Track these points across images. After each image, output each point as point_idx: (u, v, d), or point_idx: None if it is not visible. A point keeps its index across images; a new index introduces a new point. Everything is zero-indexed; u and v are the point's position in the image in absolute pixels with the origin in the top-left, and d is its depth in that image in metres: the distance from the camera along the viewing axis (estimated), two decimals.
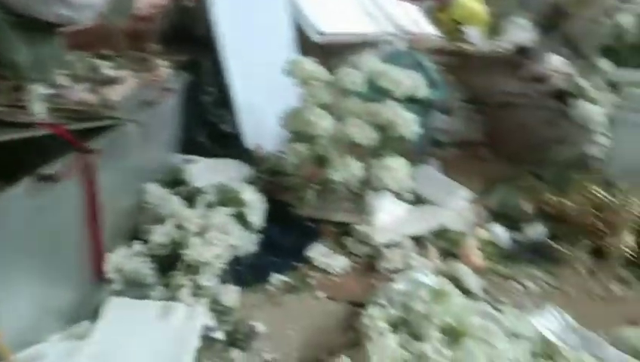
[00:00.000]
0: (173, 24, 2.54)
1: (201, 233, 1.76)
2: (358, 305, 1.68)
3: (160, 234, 1.75)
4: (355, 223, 2.09)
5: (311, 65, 2.11)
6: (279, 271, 1.88)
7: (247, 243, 1.91)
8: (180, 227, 1.77)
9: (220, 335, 1.56)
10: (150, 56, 2.20)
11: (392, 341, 1.34)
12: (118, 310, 1.55)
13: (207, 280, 1.66)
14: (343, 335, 1.62)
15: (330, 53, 2.72)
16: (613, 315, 1.73)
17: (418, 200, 2.29)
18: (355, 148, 2.01)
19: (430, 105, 2.49)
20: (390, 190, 2.08)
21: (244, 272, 1.82)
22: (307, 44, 2.93)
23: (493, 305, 1.69)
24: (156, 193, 1.96)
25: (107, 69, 1.87)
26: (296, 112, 2.09)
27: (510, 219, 2.23)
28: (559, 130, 3.06)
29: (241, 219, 1.92)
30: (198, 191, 2.03)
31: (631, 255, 1.94)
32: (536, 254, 2.06)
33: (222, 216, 1.86)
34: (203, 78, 2.50)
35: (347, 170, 1.99)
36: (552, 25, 3.50)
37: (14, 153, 1.34)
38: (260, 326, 1.63)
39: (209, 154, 2.41)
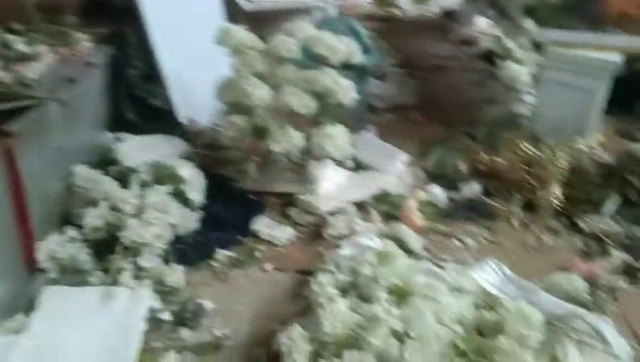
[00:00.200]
0: None
1: (137, 214, 1.72)
2: (306, 273, 1.69)
3: (93, 218, 1.69)
4: (298, 193, 2.09)
5: (242, 33, 2.03)
6: (224, 247, 1.85)
7: (187, 220, 1.87)
8: (114, 209, 1.72)
9: (166, 316, 1.53)
10: (68, 30, 2.08)
11: (342, 305, 1.36)
12: (55, 300, 1.48)
13: (149, 261, 1.63)
14: (293, 305, 1.63)
15: (258, 20, 2.65)
16: (546, 263, 1.84)
17: (358, 167, 2.31)
18: (294, 118, 1.98)
19: (365, 71, 2.49)
20: (331, 158, 2.08)
21: (188, 251, 1.78)
22: (235, 12, 2.84)
23: (436, 263, 1.76)
24: (86, 175, 1.87)
25: (20, 44, 1.75)
26: (231, 83, 2.02)
27: (447, 179, 2.30)
28: (488, 91, 3.17)
29: (179, 196, 1.88)
30: (130, 171, 1.95)
31: (559, 206, 2.05)
32: (472, 211, 2.14)
33: (159, 194, 1.82)
34: (128, 50, 2.37)
35: (287, 140, 1.97)
36: None
37: None
38: (207, 304, 1.61)
39: (140, 131, 2.31)
